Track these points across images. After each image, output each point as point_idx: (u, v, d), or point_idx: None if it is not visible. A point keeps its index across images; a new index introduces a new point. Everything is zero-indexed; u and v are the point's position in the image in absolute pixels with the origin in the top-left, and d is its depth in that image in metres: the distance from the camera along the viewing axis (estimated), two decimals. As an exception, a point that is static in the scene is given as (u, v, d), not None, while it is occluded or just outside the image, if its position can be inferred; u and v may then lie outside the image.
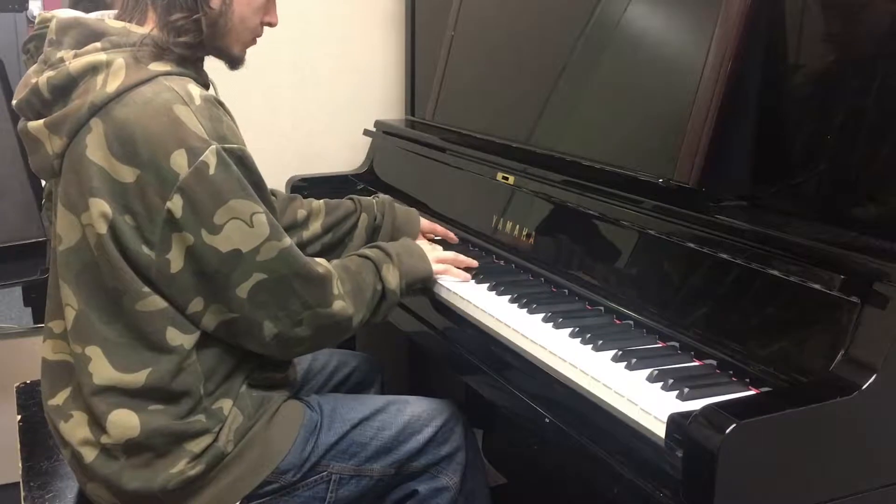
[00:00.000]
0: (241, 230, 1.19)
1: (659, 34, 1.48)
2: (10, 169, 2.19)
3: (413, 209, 1.81)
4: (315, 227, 1.69)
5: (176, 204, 1.16)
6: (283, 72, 2.39)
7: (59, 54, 1.22)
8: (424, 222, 1.80)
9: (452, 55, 2.05)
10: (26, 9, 2.65)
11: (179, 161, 1.15)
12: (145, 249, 1.19)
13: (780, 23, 1.32)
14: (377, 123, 2.38)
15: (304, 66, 2.42)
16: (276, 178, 2.31)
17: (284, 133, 2.42)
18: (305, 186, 2.29)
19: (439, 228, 1.81)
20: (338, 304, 1.31)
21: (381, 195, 1.80)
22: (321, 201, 1.73)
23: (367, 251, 1.46)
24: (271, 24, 1.36)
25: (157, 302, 1.22)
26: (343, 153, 2.48)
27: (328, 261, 1.37)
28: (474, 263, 1.59)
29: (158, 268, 1.20)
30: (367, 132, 2.38)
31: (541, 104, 1.71)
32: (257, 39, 1.36)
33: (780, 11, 1.31)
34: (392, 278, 1.42)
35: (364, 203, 1.75)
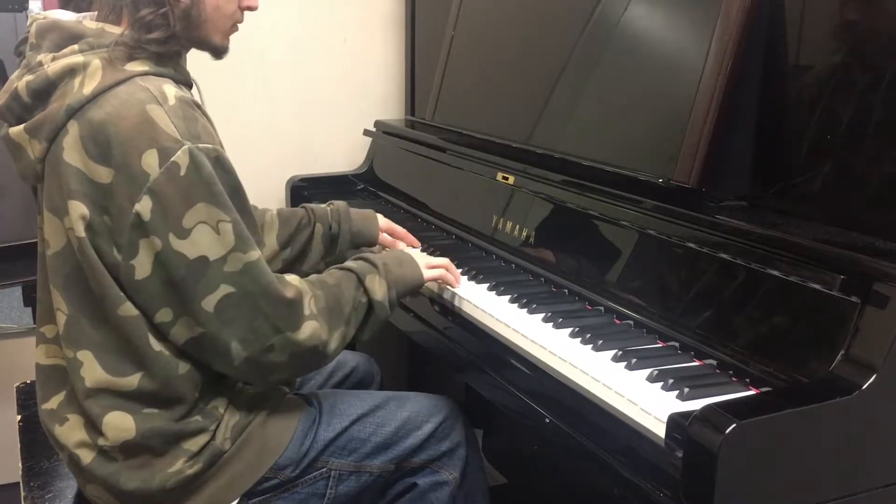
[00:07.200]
0: (208, 236, 1.17)
1: (659, 34, 1.48)
2: (9, 169, 2.19)
3: (370, 210, 1.77)
4: (270, 240, 1.63)
5: (144, 206, 1.14)
6: (284, 72, 2.38)
7: (39, 58, 1.21)
8: (382, 221, 1.75)
9: (452, 55, 2.05)
10: (26, 9, 2.65)
11: (150, 161, 1.14)
12: (115, 252, 1.18)
13: (780, 22, 1.32)
14: (377, 123, 2.38)
15: (304, 66, 2.42)
16: (276, 178, 2.32)
17: (284, 133, 2.42)
18: (305, 186, 2.29)
19: (398, 229, 1.77)
20: (308, 327, 1.24)
21: (336, 202, 1.74)
22: (274, 212, 1.67)
23: (350, 263, 1.40)
24: (251, 9, 1.32)
25: (132, 308, 1.20)
26: (343, 153, 2.49)
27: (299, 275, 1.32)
28: (458, 279, 1.56)
29: (125, 272, 1.18)
30: (367, 132, 2.38)
31: (541, 104, 1.71)
32: (239, 26, 1.33)
33: (781, 11, 1.31)
34: (378, 289, 1.35)
35: (318, 212, 1.69)
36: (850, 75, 1.24)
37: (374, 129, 2.37)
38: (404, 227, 1.79)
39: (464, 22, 2.04)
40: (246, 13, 1.33)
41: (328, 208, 1.71)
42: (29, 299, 2.66)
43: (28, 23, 1.29)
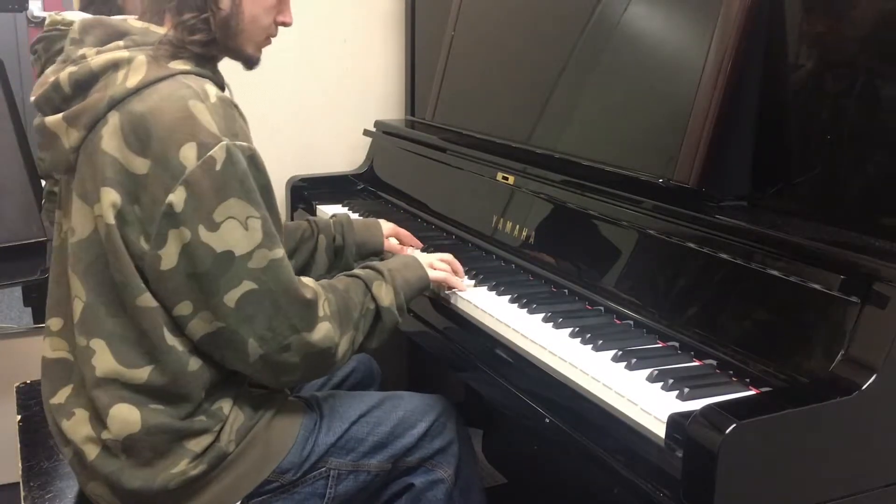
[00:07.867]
0: (236, 231, 1.19)
1: (659, 34, 1.48)
2: (10, 169, 2.19)
3: (373, 219, 1.79)
4: None
5: (178, 196, 1.16)
6: (284, 72, 2.39)
7: (81, 51, 1.24)
8: (387, 226, 1.77)
9: (452, 55, 2.05)
10: (26, 9, 2.65)
11: (188, 154, 1.16)
12: (143, 242, 1.19)
13: (780, 23, 1.32)
14: (377, 123, 2.38)
15: (304, 66, 2.42)
16: (276, 178, 2.27)
17: (284, 133, 2.43)
18: (305, 186, 2.29)
19: (403, 232, 1.78)
20: (322, 328, 1.27)
21: (338, 214, 1.76)
22: None
23: (357, 270, 1.42)
24: (285, 24, 1.36)
25: (151, 299, 1.22)
26: (343, 153, 2.49)
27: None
28: (462, 274, 1.56)
29: (150, 262, 1.20)
30: (367, 132, 2.38)
31: (541, 104, 1.71)
32: (272, 39, 1.36)
33: (780, 11, 1.31)
34: (385, 296, 1.37)
35: (321, 224, 1.71)
36: (850, 75, 1.24)
37: (374, 130, 2.37)
38: (404, 228, 1.79)
39: (464, 22, 2.04)
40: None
41: (331, 220, 1.73)
42: (29, 299, 2.66)
43: (49, 21, 1.35)
